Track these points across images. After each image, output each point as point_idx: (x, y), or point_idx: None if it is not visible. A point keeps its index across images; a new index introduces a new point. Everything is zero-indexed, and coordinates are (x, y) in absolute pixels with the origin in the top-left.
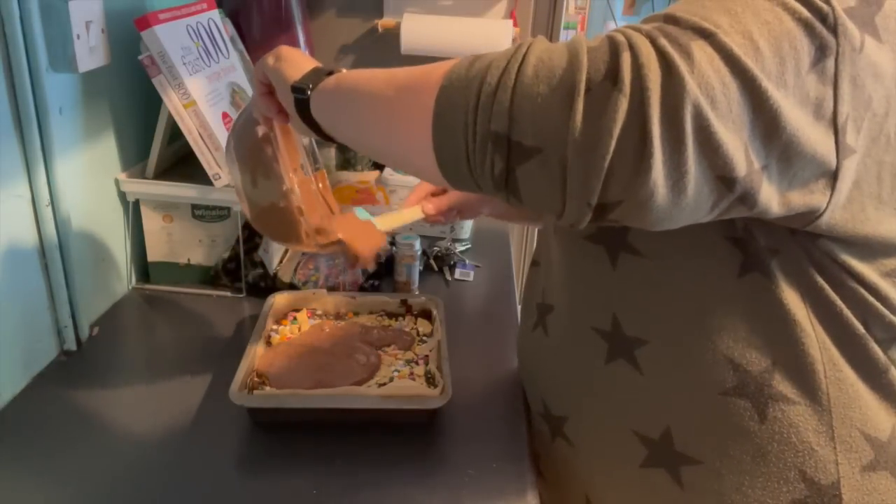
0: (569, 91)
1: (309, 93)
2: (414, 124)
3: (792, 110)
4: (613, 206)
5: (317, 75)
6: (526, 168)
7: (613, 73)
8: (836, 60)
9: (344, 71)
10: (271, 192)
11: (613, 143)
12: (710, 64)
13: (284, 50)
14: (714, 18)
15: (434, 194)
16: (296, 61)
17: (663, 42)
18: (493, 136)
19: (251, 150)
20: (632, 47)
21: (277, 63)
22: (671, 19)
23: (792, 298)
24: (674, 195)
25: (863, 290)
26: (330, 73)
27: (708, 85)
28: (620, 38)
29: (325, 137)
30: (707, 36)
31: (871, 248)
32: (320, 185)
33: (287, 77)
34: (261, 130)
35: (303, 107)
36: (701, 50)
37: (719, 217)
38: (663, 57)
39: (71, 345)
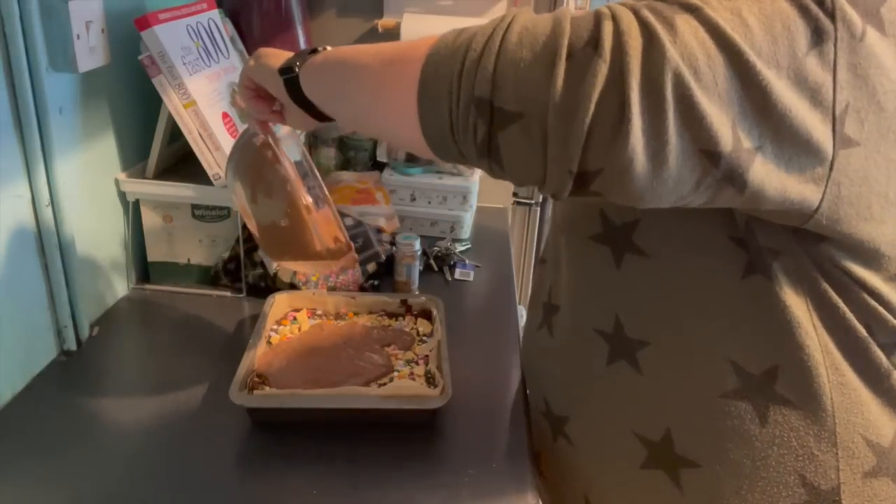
0: (551, 56)
1: (297, 70)
2: (400, 95)
3: (785, 91)
4: (594, 174)
5: (302, 55)
6: (508, 133)
7: (595, 40)
8: (835, 46)
9: (329, 48)
10: (277, 203)
11: (592, 107)
12: (693, 35)
13: (263, 49)
14: None
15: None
16: (276, 54)
17: (646, 13)
18: (477, 101)
19: (252, 164)
20: (614, 17)
21: (259, 60)
22: None
23: (795, 301)
24: (654, 165)
25: (866, 295)
26: (314, 52)
27: (691, 55)
28: (605, 9)
29: (319, 118)
30: (693, 10)
31: (873, 252)
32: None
33: (272, 66)
34: (258, 140)
35: (293, 87)
36: (685, 22)
37: (709, 201)
38: (645, 26)
39: (71, 345)
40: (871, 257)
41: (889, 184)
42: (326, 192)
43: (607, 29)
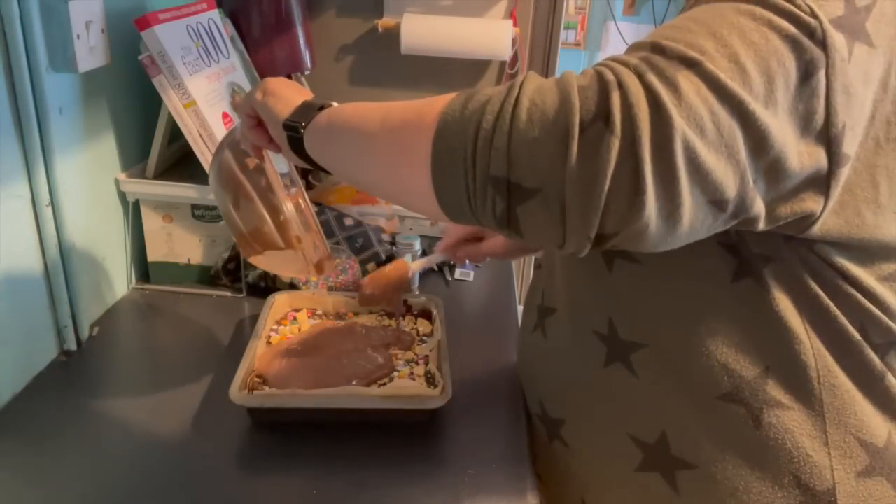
0: (563, 133)
1: (302, 131)
2: (412, 167)
3: (781, 127)
4: (612, 236)
5: (308, 111)
6: (526, 207)
7: (605, 114)
8: (827, 73)
9: (335, 105)
10: (268, 230)
11: (608, 182)
12: (697, 94)
13: (272, 84)
14: (700, 44)
15: (468, 240)
16: (284, 96)
17: (651, 78)
18: (493, 179)
19: (242, 185)
20: (621, 86)
21: (266, 98)
22: (657, 49)
23: (786, 305)
24: (669, 224)
25: (859, 296)
26: (321, 108)
27: (696, 115)
28: (609, 76)
29: (319, 169)
30: (693, 65)
31: (869, 252)
32: (301, 204)
33: (277, 114)
34: (251, 162)
35: (296, 144)
36: (687, 80)
37: (716, 231)
38: (651, 94)
39: (71, 345)
40: (865, 256)
41: (877, 189)
42: (307, 201)
43: (615, 101)
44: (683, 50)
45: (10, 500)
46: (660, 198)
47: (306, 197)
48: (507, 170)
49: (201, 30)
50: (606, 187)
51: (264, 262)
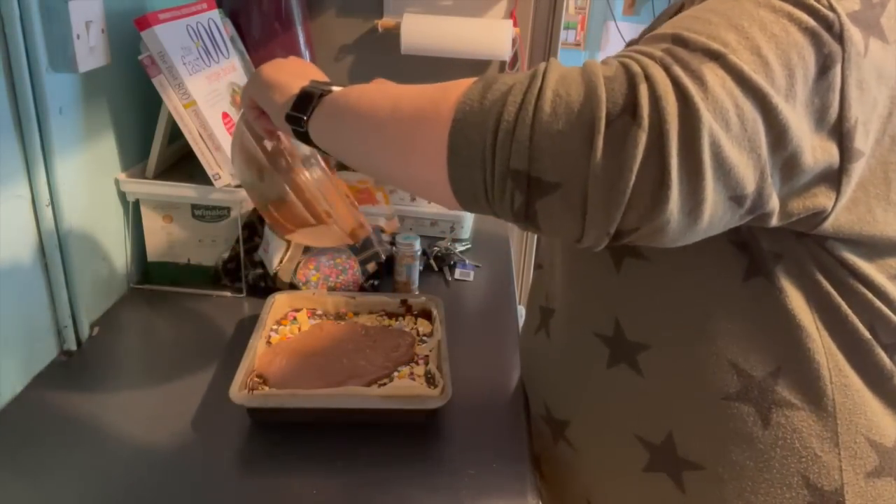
0: (588, 127)
1: (304, 126)
2: (427, 157)
3: (799, 121)
4: (631, 231)
5: (308, 101)
6: (546, 201)
7: (632, 107)
8: (843, 67)
9: (335, 89)
10: (297, 210)
11: (633, 177)
12: (722, 87)
13: (266, 73)
14: (722, 36)
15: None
16: (281, 84)
17: (677, 71)
18: (513, 173)
19: (263, 163)
20: (648, 78)
21: (263, 92)
22: (680, 41)
23: (797, 304)
24: (690, 221)
25: (870, 294)
26: (321, 95)
27: (722, 108)
28: (636, 67)
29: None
30: (717, 57)
31: (879, 249)
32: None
33: (277, 105)
34: (270, 146)
35: (301, 135)
36: (712, 73)
37: (731, 227)
38: (678, 87)
39: (71, 345)
40: (875, 253)
41: (889, 187)
42: (330, 169)
43: (643, 94)
44: (706, 42)
45: (10, 500)
46: (683, 193)
47: (326, 165)
48: (529, 163)
49: (201, 30)
50: (632, 182)
51: (300, 237)
